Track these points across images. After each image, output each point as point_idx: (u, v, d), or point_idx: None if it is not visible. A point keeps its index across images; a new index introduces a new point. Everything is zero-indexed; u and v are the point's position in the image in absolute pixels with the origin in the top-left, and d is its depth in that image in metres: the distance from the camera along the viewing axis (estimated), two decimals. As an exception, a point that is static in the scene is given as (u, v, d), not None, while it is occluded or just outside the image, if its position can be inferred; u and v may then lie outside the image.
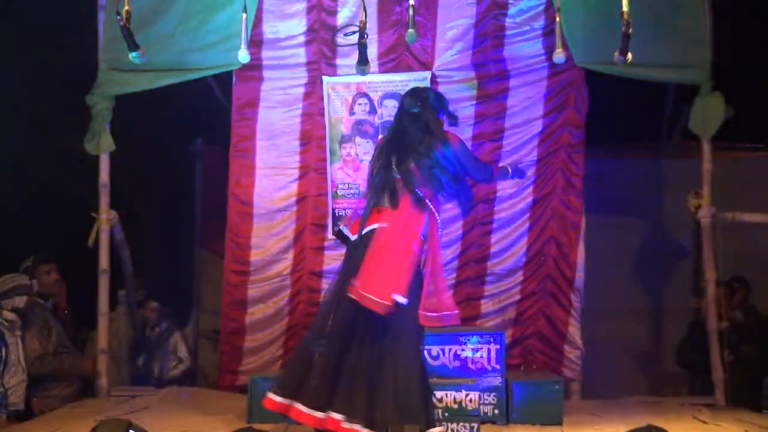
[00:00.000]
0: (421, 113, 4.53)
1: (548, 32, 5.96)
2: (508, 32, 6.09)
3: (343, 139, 6.17)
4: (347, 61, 6.08)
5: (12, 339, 5.45)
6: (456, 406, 4.88)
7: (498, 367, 5.19)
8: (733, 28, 5.98)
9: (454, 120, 4.71)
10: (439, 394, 4.91)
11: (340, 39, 6.05)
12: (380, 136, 5.20)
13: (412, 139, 4.49)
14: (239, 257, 6.22)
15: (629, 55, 4.88)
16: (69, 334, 6.10)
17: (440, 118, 4.62)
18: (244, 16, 5.20)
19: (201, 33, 5.85)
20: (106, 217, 5.99)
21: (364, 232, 4.43)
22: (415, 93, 4.65)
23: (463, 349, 5.22)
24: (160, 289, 7.10)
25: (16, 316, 5.51)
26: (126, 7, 4.88)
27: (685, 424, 4.98)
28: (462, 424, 4.84)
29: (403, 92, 5.73)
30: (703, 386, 5.77)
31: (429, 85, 5.99)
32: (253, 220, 6.23)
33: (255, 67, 6.13)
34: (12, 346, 5.43)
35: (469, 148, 4.84)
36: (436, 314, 4.41)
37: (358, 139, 6.16)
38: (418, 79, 6.04)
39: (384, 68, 6.12)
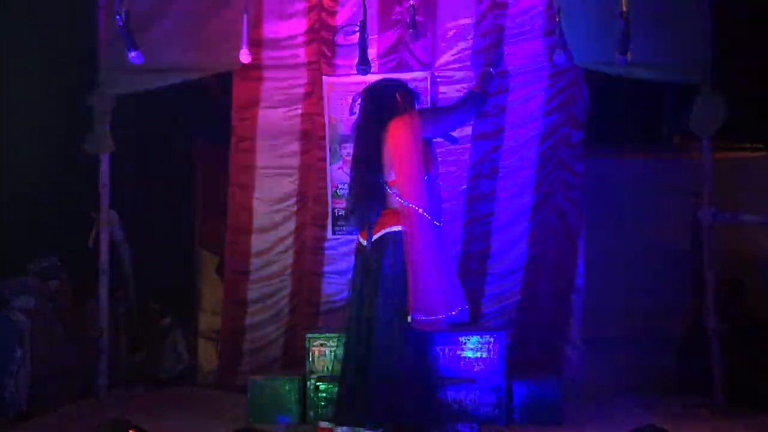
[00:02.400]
0: (382, 107, 4.35)
1: (548, 32, 5.96)
2: (508, 32, 6.09)
3: (343, 139, 6.17)
4: (347, 61, 6.08)
5: (25, 342, 5.48)
6: (456, 406, 4.87)
7: (498, 367, 5.19)
8: (733, 28, 5.98)
9: (415, 96, 4.48)
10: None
11: (340, 39, 6.05)
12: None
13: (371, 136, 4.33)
14: (239, 257, 6.22)
15: (629, 55, 4.89)
16: (83, 334, 6.14)
17: (395, 104, 4.35)
18: (244, 16, 5.21)
19: (201, 33, 5.85)
20: (106, 217, 6.00)
21: (373, 239, 4.31)
22: (368, 91, 4.45)
23: (463, 349, 5.22)
24: (160, 289, 7.10)
25: (26, 318, 5.54)
26: (126, 8, 4.90)
27: (685, 424, 4.98)
28: (462, 424, 4.84)
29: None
30: (703, 386, 5.77)
31: (429, 85, 6.01)
32: (253, 220, 6.23)
33: (255, 67, 6.12)
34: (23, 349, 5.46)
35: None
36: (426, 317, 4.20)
37: (358, 139, 6.15)
38: (418, 79, 6.04)
39: (384, 68, 6.12)
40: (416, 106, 4.47)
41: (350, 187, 4.47)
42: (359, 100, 4.47)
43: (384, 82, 4.51)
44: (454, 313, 4.22)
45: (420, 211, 4.19)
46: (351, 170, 4.47)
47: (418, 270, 4.16)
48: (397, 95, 4.39)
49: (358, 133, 4.43)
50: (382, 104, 4.38)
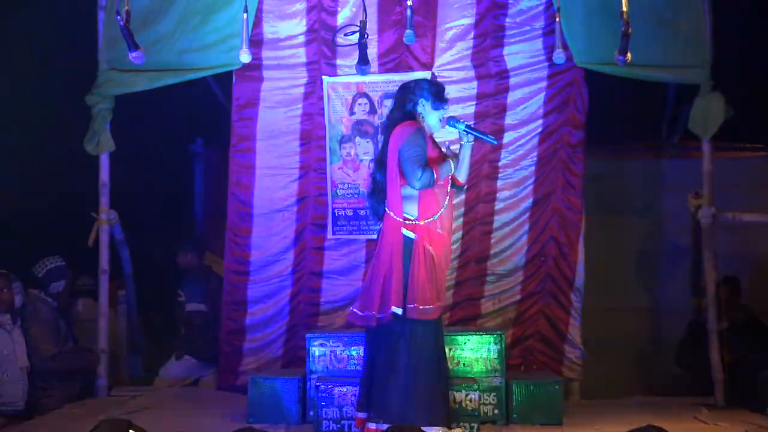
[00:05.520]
0: (398, 104, 4.66)
1: (548, 32, 5.96)
2: (508, 32, 6.08)
3: (343, 139, 6.17)
4: (347, 61, 6.08)
5: (6, 336, 5.48)
6: (456, 406, 4.87)
7: (498, 367, 5.19)
8: (733, 28, 5.98)
9: (441, 103, 4.64)
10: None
11: (340, 39, 6.05)
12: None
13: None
14: (239, 257, 6.22)
15: (629, 55, 4.89)
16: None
17: (411, 108, 4.60)
18: (245, 16, 5.21)
19: (201, 33, 5.85)
20: (106, 217, 6.00)
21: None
22: (403, 85, 4.74)
23: (463, 349, 5.22)
24: (160, 290, 7.10)
25: (8, 317, 5.55)
26: (126, 7, 4.90)
27: (685, 424, 4.99)
28: (462, 424, 4.84)
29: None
30: (703, 386, 5.78)
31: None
32: (253, 220, 6.23)
33: (255, 67, 6.12)
34: (7, 342, 5.47)
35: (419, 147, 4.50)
36: (360, 312, 4.53)
37: (358, 139, 6.16)
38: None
39: (384, 68, 6.12)
40: (437, 103, 4.63)
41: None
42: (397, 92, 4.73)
43: (411, 84, 4.70)
44: (383, 315, 4.44)
45: (390, 213, 4.51)
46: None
47: (371, 266, 4.57)
48: (419, 101, 4.61)
49: (382, 132, 4.77)
50: (398, 109, 4.65)
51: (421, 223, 4.47)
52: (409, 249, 4.44)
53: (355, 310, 4.57)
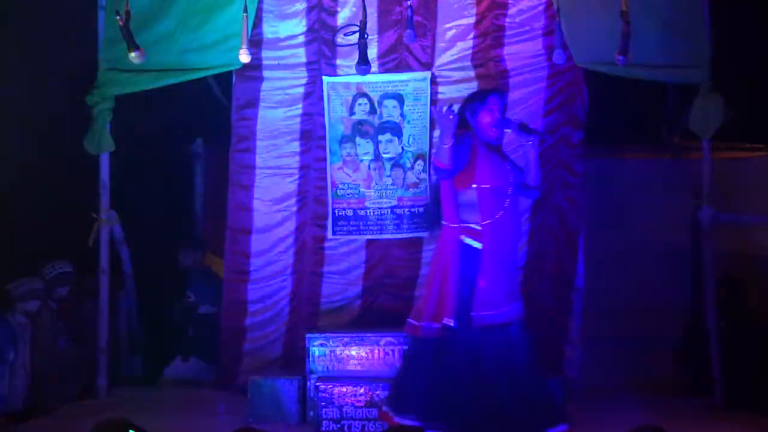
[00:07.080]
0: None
1: (548, 32, 5.95)
2: (508, 32, 6.08)
3: (343, 139, 6.17)
4: (347, 61, 6.08)
5: (21, 343, 5.48)
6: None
7: (498, 367, 5.18)
8: (733, 28, 5.98)
9: (479, 99, 4.72)
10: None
11: (340, 39, 6.06)
12: None
13: None
14: (239, 257, 6.22)
15: (629, 55, 4.89)
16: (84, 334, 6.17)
17: (467, 117, 4.67)
18: (245, 16, 5.21)
19: (201, 33, 5.86)
20: (106, 217, 6.00)
21: None
22: None
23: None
24: (160, 290, 7.10)
25: (27, 321, 5.55)
26: (126, 7, 4.90)
27: (685, 424, 4.99)
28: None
29: (403, 92, 5.78)
30: (703, 386, 5.78)
31: (429, 85, 6.03)
32: (253, 220, 6.23)
33: (255, 67, 6.12)
34: (20, 350, 5.47)
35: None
36: (416, 323, 4.55)
37: (358, 139, 6.16)
38: (418, 79, 6.05)
39: (384, 68, 6.12)
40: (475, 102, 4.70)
41: None
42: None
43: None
44: (438, 325, 4.44)
45: (446, 223, 4.57)
46: None
47: (428, 276, 4.67)
48: (467, 112, 4.67)
49: None
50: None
51: (479, 227, 4.50)
52: (476, 259, 4.48)
53: (411, 321, 4.59)
